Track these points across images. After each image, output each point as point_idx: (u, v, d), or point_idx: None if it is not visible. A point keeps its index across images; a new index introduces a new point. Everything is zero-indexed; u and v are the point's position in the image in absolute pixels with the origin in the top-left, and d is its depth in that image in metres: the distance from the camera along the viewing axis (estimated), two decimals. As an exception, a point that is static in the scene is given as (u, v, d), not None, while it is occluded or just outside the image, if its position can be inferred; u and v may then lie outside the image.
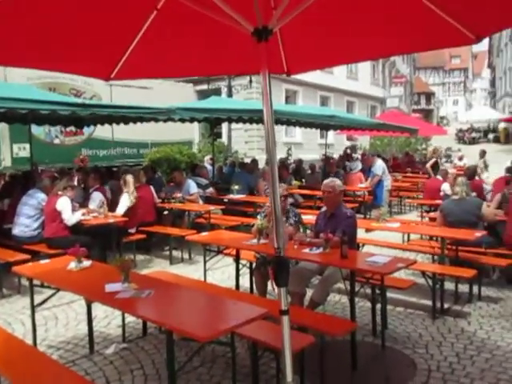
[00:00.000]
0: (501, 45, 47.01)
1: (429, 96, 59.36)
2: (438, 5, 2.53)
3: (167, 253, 7.28)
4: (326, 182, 4.84)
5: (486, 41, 54.41)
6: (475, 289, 5.33)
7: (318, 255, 4.21)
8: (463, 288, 5.39)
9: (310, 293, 4.50)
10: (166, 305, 3.00)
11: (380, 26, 2.86)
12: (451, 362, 3.80)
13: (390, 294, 4.81)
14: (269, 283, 4.56)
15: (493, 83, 54.62)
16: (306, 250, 4.30)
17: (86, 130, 10.94)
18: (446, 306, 4.97)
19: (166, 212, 8.11)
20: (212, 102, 9.75)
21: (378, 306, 4.41)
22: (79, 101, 7.46)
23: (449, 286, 5.33)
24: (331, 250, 4.20)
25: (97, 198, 7.04)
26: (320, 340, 3.54)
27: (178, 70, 3.75)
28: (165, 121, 8.24)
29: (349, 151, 16.25)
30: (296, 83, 20.23)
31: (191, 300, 3.16)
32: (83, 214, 6.35)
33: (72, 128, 10.20)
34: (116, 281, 3.25)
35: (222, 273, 6.42)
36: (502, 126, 36.82)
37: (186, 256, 7.30)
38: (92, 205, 6.95)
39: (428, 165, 13.29)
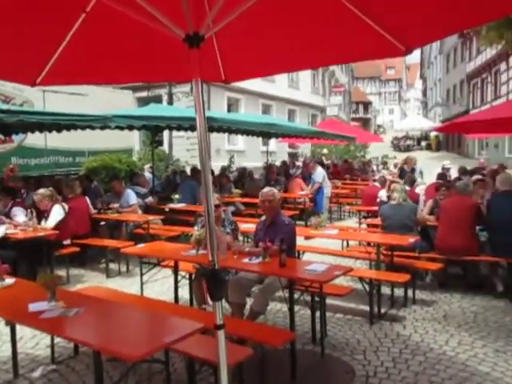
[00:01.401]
0: (431, 57, 49.65)
1: (366, 105, 61.57)
2: (371, 17, 2.59)
3: (104, 266, 7.00)
4: (264, 190, 4.84)
5: (417, 53, 57.29)
6: (410, 292, 5.50)
7: (257, 265, 4.17)
8: (399, 292, 5.55)
9: (250, 303, 4.45)
10: (95, 323, 2.84)
11: (316, 35, 2.89)
12: (387, 367, 3.88)
13: (329, 301, 4.86)
14: (205, 295, 4.48)
15: (425, 93, 57.44)
16: (246, 260, 4.26)
17: (17, 138, 10.37)
18: (382, 310, 5.08)
19: (102, 223, 7.81)
20: (151, 110, 9.53)
21: (318, 313, 4.43)
22: (5, 107, 7.04)
23: (385, 290, 5.46)
24: (270, 259, 4.18)
25: (19, 212, 6.60)
26: (260, 351, 3.50)
27: (112, 76, 3.60)
28: (101, 128, 7.95)
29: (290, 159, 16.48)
30: (238, 91, 20.29)
31: (124, 316, 3.01)
32: (8, 228, 5.97)
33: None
34: (41, 299, 3.04)
35: (161, 285, 6.24)
36: (433, 134, 38.83)
37: (123, 269, 7.05)
38: (18, 218, 6.52)
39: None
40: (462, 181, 6.99)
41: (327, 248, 6.82)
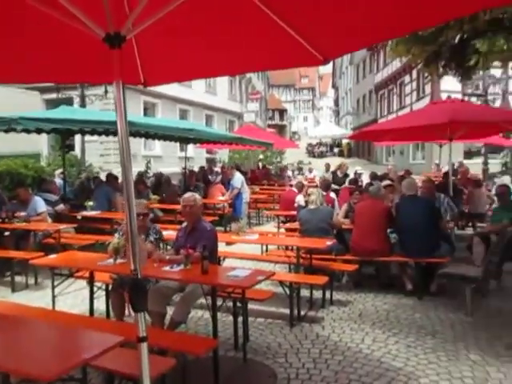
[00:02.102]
0: (342, 68, 52.18)
1: (282, 112, 63.15)
2: (292, 27, 2.66)
3: (9, 279, 6.48)
4: (185, 196, 4.75)
5: (330, 63, 59.84)
6: (328, 294, 5.68)
7: (178, 272, 4.08)
8: (317, 294, 5.70)
9: (171, 311, 4.34)
10: (0, 343, 2.60)
11: (237, 42, 2.90)
12: (309, 368, 3.96)
13: (250, 306, 4.87)
14: (127, 306, 4.31)
15: (336, 102, 60.20)
16: (167, 268, 4.15)
17: None
18: (302, 312, 5.20)
19: (7, 233, 7.23)
20: (62, 112, 9.01)
21: (240, 318, 4.43)
22: None
23: (304, 292, 5.59)
24: (192, 266, 4.11)
25: None
26: (182, 361, 3.42)
27: (17, 75, 3.36)
28: (6, 131, 7.39)
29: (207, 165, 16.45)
30: (155, 95, 19.89)
31: (34, 333, 2.79)
32: None
33: None
34: None
35: (74, 297, 5.89)
36: (345, 141, 40.75)
37: (31, 281, 6.57)
38: None
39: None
40: (374, 185, 7.36)
41: (247, 253, 6.86)
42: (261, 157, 22.27)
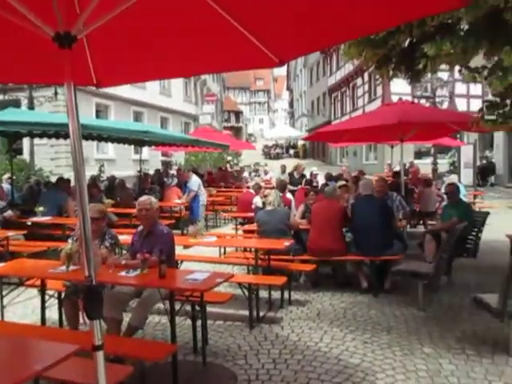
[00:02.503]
0: (297, 70, 52.81)
1: (238, 114, 63.31)
2: (248, 29, 2.67)
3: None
4: (141, 199, 4.67)
5: (284, 66, 60.50)
6: (286, 294, 5.72)
7: (135, 277, 3.98)
8: (276, 294, 5.73)
9: (127, 318, 4.24)
10: None
11: (193, 44, 2.88)
12: (268, 369, 3.97)
13: (209, 309, 4.83)
14: (81, 314, 4.18)
15: (291, 104, 60.86)
16: (123, 273, 4.05)
17: None
18: (261, 313, 5.21)
19: (-49, 241, 6.86)
20: (9, 114, 8.66)
21: (199, 322, 4.39)
22: None
23: (263, 293, 5.61)
24: (149, 271, 4.04)
25: None
26: (140, 367, 3.36)
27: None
28: None
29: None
30: (108, 97, 19.44)
31: (-18, 346, 2.66)
32: None
33: None
34: None
35: (24, 307, 5.65)
36: (300, 142, 41.28)
37: (-22, 291, 6.26)
38: None
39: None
40: (330, 186, 7.51)
41: (205, 256, 6.82)
42: (229, 158, 22.27)
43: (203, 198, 11.28)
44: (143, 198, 4.69)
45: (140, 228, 4.76)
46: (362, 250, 6.12)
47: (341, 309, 5.50)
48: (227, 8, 2.52)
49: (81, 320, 4.28)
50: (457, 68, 5.93)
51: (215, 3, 2.49)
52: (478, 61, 5.29)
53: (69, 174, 13.05)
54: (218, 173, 18.62)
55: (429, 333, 4.67)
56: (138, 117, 22.88)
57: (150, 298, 4.21)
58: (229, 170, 20.66)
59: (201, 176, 13.93)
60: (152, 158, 21.15)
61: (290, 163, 20.88)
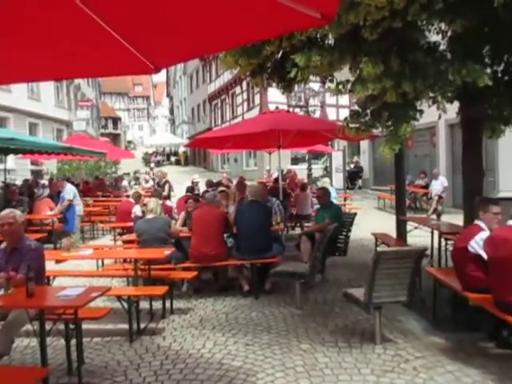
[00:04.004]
0: (176, 77, 52.45)
1: (116, 120, 60.97)
2: (122, 35, 2.63)
3: None
4: (3, 213, 4.27)
5: (163, 72, 59.79)
6: (168, 303, 5.63)
7: (-3, 298, 3.64)
8: (157, 305, 5.61)
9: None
10: None
11: (61, 46, 2.74)
12: (150, 382, 3.87)
13: (86, 326, 4.57)
14: None
15: (172, 111, 60.22)
16: (-17, 295, 3.67)
17: None
18: (142, 325, 5.05)
19: None
20: None
21: (74, 341, 4.12)
22: None
23: (145, 305, 5.46)
24: (15, 290, 3.71)
25: None
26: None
27: None
28: None
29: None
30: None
31: None
32: None
33: None
34: None
35: None
36: (181, 149, 41.06)
37: None
38: None
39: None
40: (210, 192, 7.58)
41: (81, 270, 6.45)
42: (113, 169, 21.40)
43: (79, 208, 10.63)
44: (5, 212, 4.30)
45: (3, 245, 4.35)
46: (243, 254, 6.26)
47: (223, 313, 5.56)
48: (101, 14, 2.44)
49: None
50: (328, 79, 6.31)
51: (89, 8, 2.39)
52: (344, 74, 5.72)
53: None
54: (94, 182, 17.73)
55: (305, 329, 4.92)
56: (2, 122, 20.90)
57: (16, 320, 3.87)
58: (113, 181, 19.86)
59: (76, 185, 13.14)
60: (19, 167, 19.46)
61: (172, 170, 20.72)
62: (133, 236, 7.07)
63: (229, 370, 4.03)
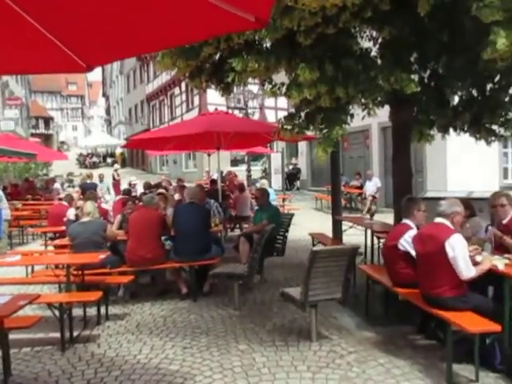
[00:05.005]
0: (113, 76, 51.00)
1: (47, 120, 58.20)
2: (52, 32, 2.55)
3: None
4: None
5: (99, 71, 58.05)
6: (103, 309, 5.46)
7: None
8: (92, 311, 5.43)
9: None
10: None
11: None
12: (83, 391, 3.74)
13: (13, 336, 4.34)
14: None
15: (108, 111, 58.46)
16: None
17: None
18: (75, 333, 4.87)
19: None
20: None
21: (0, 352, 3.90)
22: None
23: (79, 312, 5.27)
24: None
25: None
26: None
27: None
28: None
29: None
30: None
31: None
32: None
33: None
34: None
35: None
36: (118, 151, 39.96)
37: None
38: None
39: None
40: (148, 195, 7.44)
41: (8, 277, 6.12)
42: (44, 171, 20.39)
43: (6, 213, 10.06)
44: None
45: None
46: (181, 256, 6.19)
47: (161, 317, 5.47)
48: (29, 10, 2.35)
49: None
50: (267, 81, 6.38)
51: (15, 4, 2.29)
52: (281, 76, 5.82)
53: None
54: (23, 184, 16.87)
55: (244, 330, 4.95)
56: None
57: None
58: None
59: (3, 188, 12.46)
60: None
61: (109, 172, 20.10)
62: (65, 241, 6.80)
63: (166, 374, 3.97)
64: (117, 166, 23.68)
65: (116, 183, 18.24)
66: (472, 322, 3.65)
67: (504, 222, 4.81)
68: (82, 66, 2.93)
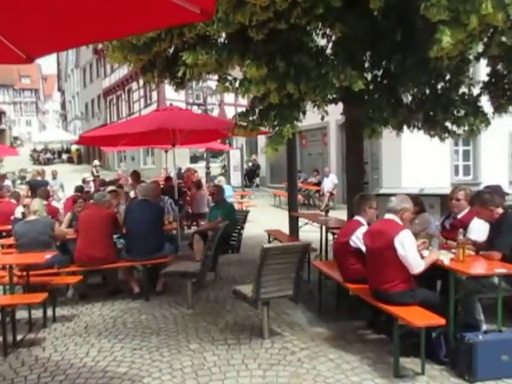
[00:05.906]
0: (68, 70, 49.47)
1: (-1, 115, 55.94)
2: None
3: None
4: None
5: (54, 64, 56.15)
6: (50, 311, 5.26)
7: None
8: (38, 313, 5.22)
9: None
10: None
11: None
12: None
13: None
14: None
15: (64, 106, 56.67)
16: None
17: None
18: (19, 337, 4.67)
19: None
20: None
21: None
22: None
23: (24, 314, 5.05)
24: None
25: None
26: None
27: None
28: None
29: None
30: None
31: None
32: None
33: None
34: None
35: None
36: (74, 147, 38.79)
37: None
38: None
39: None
40: (99, 192, 7.24)
41: None
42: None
43: None
44: None
45: None
46: (134, 255, 6.04)
47: (111, 318, 5.32)
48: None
49: None
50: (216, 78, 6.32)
51: None
52: (238, 72, 5.75)
53: None
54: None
55: (196, 329, 4.88)
56: None
57: None
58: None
59: None
60: None
61: (64, 169, 19.51)
62: (12, 240, 6.52)
63: (113, 377, 3.86)
64: (96, 162, 23.07)
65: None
66: (418, 317, 3.72)
67: (459, 216, 4.96)
68: (22, 57, 2.86)
